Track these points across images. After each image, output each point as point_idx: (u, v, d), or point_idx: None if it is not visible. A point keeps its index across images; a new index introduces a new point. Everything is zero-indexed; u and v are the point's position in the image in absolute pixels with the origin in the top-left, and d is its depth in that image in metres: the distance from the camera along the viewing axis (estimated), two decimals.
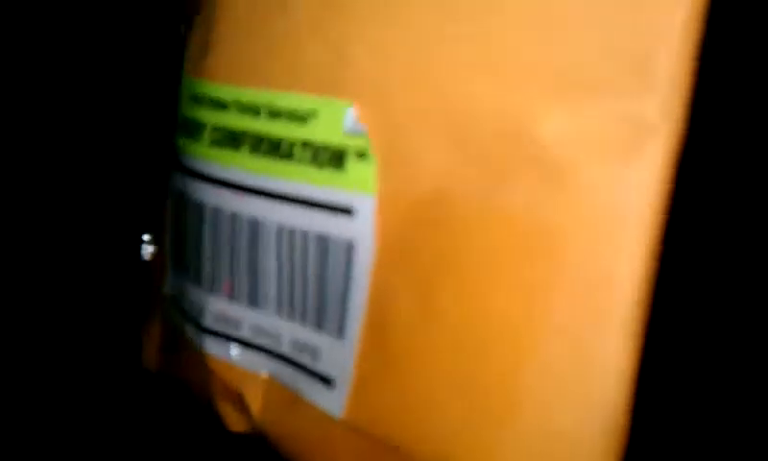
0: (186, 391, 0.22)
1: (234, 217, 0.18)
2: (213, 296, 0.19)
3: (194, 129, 0.19)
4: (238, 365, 0.19)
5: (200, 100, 0.19)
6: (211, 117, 0.19)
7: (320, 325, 0.18)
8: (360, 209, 0.16)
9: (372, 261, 0.16)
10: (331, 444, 0.18)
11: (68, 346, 0.26)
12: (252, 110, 0.18)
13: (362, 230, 0.17)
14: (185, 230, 0.20)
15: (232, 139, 0.18)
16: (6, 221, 0.28)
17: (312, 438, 0.18)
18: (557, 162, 0.14)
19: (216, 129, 0.19)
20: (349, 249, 0.17)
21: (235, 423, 0.20)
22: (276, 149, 0.17)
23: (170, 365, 0.22)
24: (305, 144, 0.17)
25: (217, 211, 0.19)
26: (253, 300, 0.19)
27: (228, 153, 0.18)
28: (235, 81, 0.18)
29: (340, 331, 0.17)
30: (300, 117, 0.17)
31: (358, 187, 0.16)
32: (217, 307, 0.19)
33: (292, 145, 0.17)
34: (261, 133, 0.18)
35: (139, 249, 0.24)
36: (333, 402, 0.17)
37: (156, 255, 0.24)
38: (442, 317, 0.16)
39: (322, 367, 0.18)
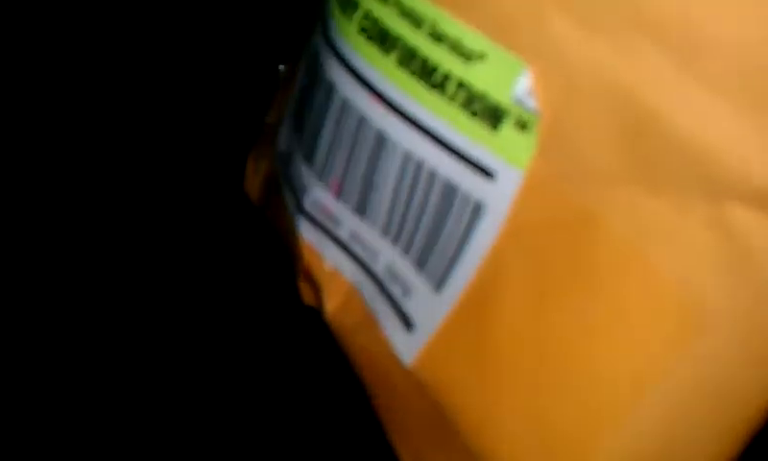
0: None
1: (363, 121, 0.17)
2: (320, 185, 0.18)
3: (349, 6, 0.17)
4: (327, 259, 0.19)
5: None
6: (367, 1, 0.17)
7: (421, 266, 0.17)
8: (502, 178, 0.15)
9: (498, 234, 0.15)
10: (389, 381, 0.17)
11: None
12: (413, 19, 0.16)
13: (497, 199, 0.15)
14: (311, 99, 0.19)
15: (382, 39, 0.16)
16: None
17: (373, 364, 0.18)
18: (740, 224, 0.13)
19: (368, 18, 0.17)
20: (477, 210, 0.15)
21: (311, 300, 0.20)
22: (427, 74, 0.15)
23: (268, 205, 0.22)
24: (462, 84, 0.15)
25: (346, 104, 0.17)
26: (361, 209, 0.18)
27: (375, 51, 0.16)
28: None
29: (439, 284, 0.16)
30: (464, 54, 0.15)
31: (508, 155, 0.15)
32: (321, 197, 0.18)
33: (447, 77, 0.15)
34: (416, 49, 0.16)
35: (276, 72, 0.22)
36: (406, 347, 0.17)
37: (279, 98, 0.22)
38: (553, 326, 0.15)
39: (408, 306, 0.17)
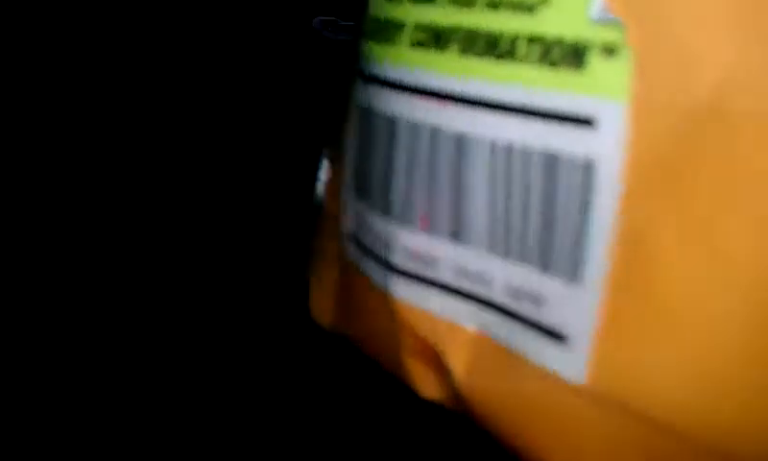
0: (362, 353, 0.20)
1: (436, 133, 0.15)
2: (406, 229, 0.17)
3: (390, 30, 0.16)
4: (437, 314, 0.16)
5: None
6: (413, 15, 0.16)
7: (545, 265, 0.14)
8: (604, 120, 0.13)
9: (621, 185, 0.13)
10: (563, 415, 0.14)
11: (232, 295, 0.24)
12: (465, 3, 0.15)
13: (606, 146, 0.13)
14: (371, 151, 0.17)
15: (437, 38, 0.15)
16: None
17: (536, 407, 0.15)
18: None
19: (419, 27, 0.16)
20: (588, 169, 0.13)
21: (429, 387, 0.17)
22: (493, 46, 0.14)
23: (345, 318, 0.20)
24: (532, 39, 0.14)
25: (415, 127, 0.16)
26: (457, 233, 0.16)
27: (432, 56, 0.15)
28: None
29: (574, 273, 0.14)
30: (526, 6, 0.14)
31: (603, 92, 0.13)
32: (410, 242, 0.17)
33: (514, 40, 0.14)
34: (475, 28, 0.15)
35: (314, 181, 0.22)
36: (568, 363, 0.14)
37: (332, 185, 0.21)
38: (726, 258, 0.12)
39: (549, 318, 0.14)
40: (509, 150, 0.14)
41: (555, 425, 0.14)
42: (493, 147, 0.14)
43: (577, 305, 0.14)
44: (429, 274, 0.16)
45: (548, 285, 0.14)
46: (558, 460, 0.15)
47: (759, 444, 0.12)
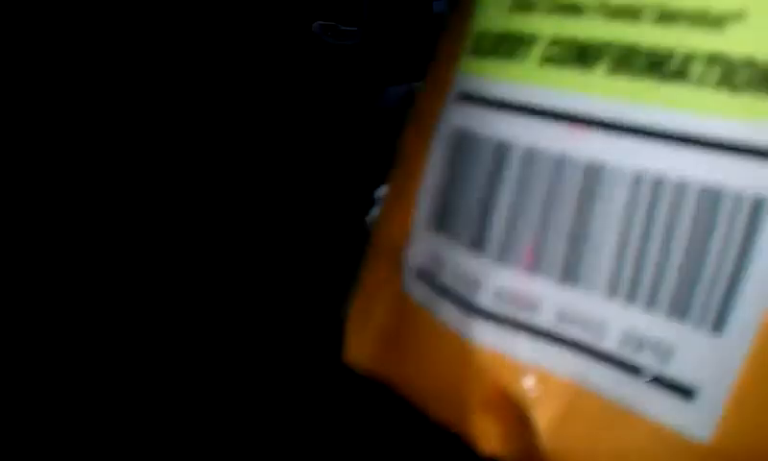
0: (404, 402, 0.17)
1: (560, 162, 0.14)
2: (502, 266, 0.15)
3: (514, 44, 0.15)
4: (528, 362, 0.14)
5: (531, 6, 0.15)
6: (549, 27, 0.15)
7: (682, 312, 0.12)
8: None
9: None
10: None
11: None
12: (629, 14, 0.14)
13: None
14: (466, 179, 0.16)
15: (582, 56, 0.14)
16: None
17: None
18: None
19: (556, 43, 0.15)
20: (758, 208, 0.12)
21: (494, 442, 0.15)
22: (657, 66, 0.13)
23: (393, 362, 0.18)
24: (714, 59, 0.13)
25: (532, 154, 0.14)
26: (571, 273, 0.14)
27: (570, 74, 0.14)
28: None
29: (718, 324, 0.12)
30: (713, 22, 0.13)
31: None
32: (505, 282, 0.15)
33: (689, 60, 0.13)
34: (636, 45, 0.13)
35: (367, 209, 0.20)
36: (695, 419, 0.12)
37: (392, 213, 0.19)
38: None
39: (675, 370, 0.12)
40: (658, 182, 0.13)
41: None
42: (638, 179, 0.13)
43: (715, 356, 0.12)
44: (525, 317, 0.14)
45: (679, 333, 0.12)
46: None
47: None
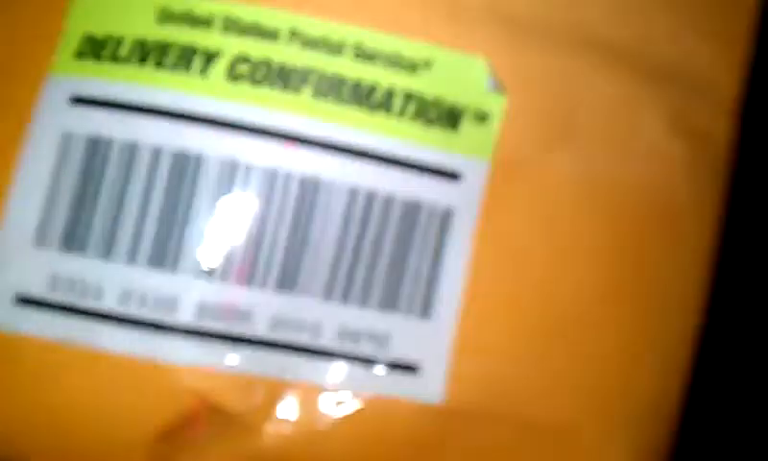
0: None
1: (274, 176, 0.14)
2: (207, 281, 0.14)
3: (200, 55, 0.14)
4: (235, 371, 0.14)
5: (210, 22, 0.15)
6: (236, 44, 0.15)
7: (392, 305, 0.15)
8: (469, 175, 0.15)
9: (473, 232, 0.15)
10: (420, 436, 0.14)
11: None
12: (326, 47, 0.15)
13: (466, 199, 0.15)
14: (102, 191, 0.14)
15: (284, 79, 0.14)
16: None
17: (385, 436, 0.14)
18: None
19: (245, 61, 0.14)
20: (447, 219, 0.15)
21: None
22: (364, 97, 0.15)
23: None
24: (409, 96, 0.15)
25: (234, 165, 0.14)
26: (288, 283, 0.14)
27: (275, 94, 0.14)
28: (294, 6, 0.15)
29: (425, 310, 0.15)
30: (408, 65, 0.15)
31: (471, 151, 0.15)
32: (214, 296, 0.14)
33: (391, 94, 0.15)
34: (340, 75, 0.15)
35: None
36: (425, 389, 0.14)
37: None
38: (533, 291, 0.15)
39: (399, 351, 0.15)
40: (370, 197, 0.14)
41: (413, 448, 0.14)
42: (353, 193, 0.14)
43: (430, 338, 0.14)
44: (234, 329, 0.14)
45: (392, 323, 0.14)
46: None
47: None
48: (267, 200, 0.14)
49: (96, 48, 0.15)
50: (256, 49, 0.15)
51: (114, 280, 0.14)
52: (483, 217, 0.15)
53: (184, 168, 0.14)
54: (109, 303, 0.14)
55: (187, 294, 0.14)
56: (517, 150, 0.15)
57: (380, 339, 0.15)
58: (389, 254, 0.15)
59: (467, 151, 0.15)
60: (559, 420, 0.15)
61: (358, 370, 0.15)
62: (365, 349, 0.15)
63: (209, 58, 0.15)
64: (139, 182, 0.14)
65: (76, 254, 0.14)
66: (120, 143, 0.14)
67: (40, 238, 0.14)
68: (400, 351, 0.15)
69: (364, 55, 0.15)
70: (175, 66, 0.15)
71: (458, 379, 0.15)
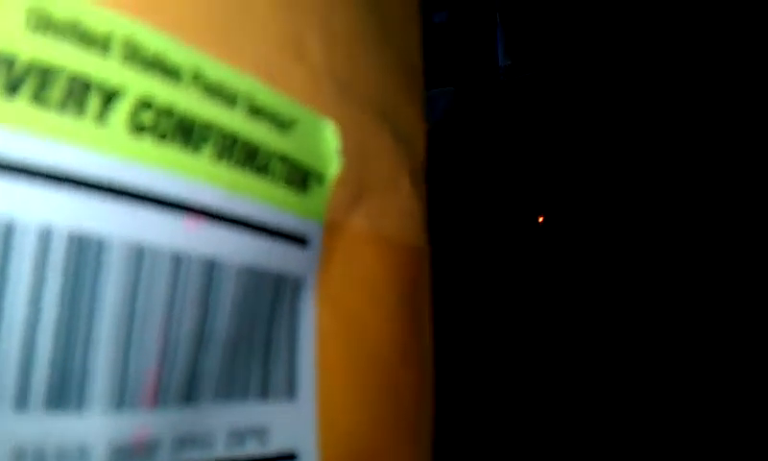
0: None
1: (179, 262, 0.11)
2: (119, 415, 0.09)
3: (80, 94, 0.09)
4: None
5: (107, 45, 0.09)
6: (138, 83, 0.09)
7: (266, 392, 0.13)
8: (314, 240, 0.13)
9: (314, 300, 0.13)
10: None
11: None
12: (223, 97, 0.11)
13: (312, 264, 0.13)
14: None
15: (186, 133, 0.11)
16: None
17: None
18: None
19: (150, 106, 0.10)
20: (299, 287, 0.13)
21: None
22: (251, 159, 0.11)
23: None
24: (284, 158, 0.12)
25: (141, 253, 0.10)
26: (191, 391, 0.11)
27: (173, 152, 0.10)
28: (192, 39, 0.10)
29: (291, 392, 0.13)
30: (282, 124, 0.12)
31: (314, 214, 0.13)
32: (125, 432, 0.10)
33: (270, 157, 0.12)
34: (236, 131, 0.11)
35: None
36: None
37: None
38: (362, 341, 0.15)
39: (277, 442, 0.13)
40: (250, 271, 0.12)
41: None
42: (250, 273, 0.12)
43: (300, 421, 0.13)
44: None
45: (268, 411, 0.13)
46: None
47: None
48: (172, 292, 0.11)
49: None
50: (161, 91, 0.10)
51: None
52: (320, 283, 0.14)
53: (83, 257, 0.09)
54: None
55: (99, 437, 0.10)
56: (334, 212, 0.15)
57: (261, 433, 0.13)
58: (263, 335, 0.13)
59: (312, 214, 0.14)
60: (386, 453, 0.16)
61: None
62: (251, 446, 0.13)
63: (109, 97, 0.10)
64: (23, 280, 0.09)
65: None
66: None
67: None
68: (280, 443, 0.13)
69: (254, 110, 0.12)
70: (63, 105, 0.09)
71: (328, 457, 0.14)
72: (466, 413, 0.36)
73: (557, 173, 0.40)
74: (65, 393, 0.10)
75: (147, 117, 0.11)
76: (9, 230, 0.09)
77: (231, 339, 0.12)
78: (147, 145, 0.11)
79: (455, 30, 0.44)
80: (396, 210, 0.17)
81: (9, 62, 0.09)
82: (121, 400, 0.10)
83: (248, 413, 0.13)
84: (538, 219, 0.39)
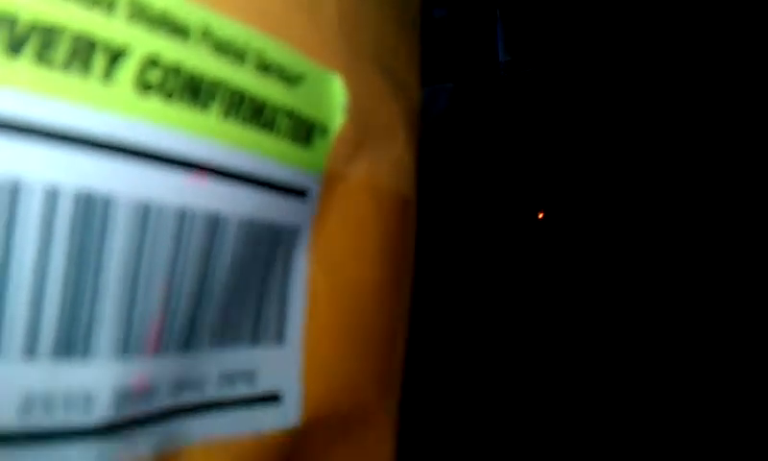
0: None
1: (183, 216, 0.11)
2: (124, 363, 0.10)
3: (85, 53, 0.09)
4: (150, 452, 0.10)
5: (113, 3, 0.09)
6: (146, 42, 0.10)
7: (257, 337, 0.13)
8: (312, 192, 0.13)
9: (308, 250, 0.14)
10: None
11: None
12: (232, 54, 0.11)
13: (309, 216, 0.14)
14: (5, 259, 0.09)
15: (194, 91, 0.11)
16: None
17: None
18: None
19: (156, 64, 0.10)
20: (294, 237, 0.13)
21: None
22: (257, 115, 0.11)
23: None
24: (291, 114, 0.12)
25: (148, 210, 0.10)
26: (190, 339, 0.12)
27: (180, 111, 0.10)
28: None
29: (280, 337, 0.14)
30: (290, 79, 0.12)
31: (314, 167, 0.13)
32: (125, 378, 0.10)
33: (276, 113, 0.12)
34: (244, 88, 0.11)
35: None
36: (286, 415, 0.14)
37: None
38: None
39: (264, 384, 0.14)
40: (251, 223, 0.12)
41: None
42: (251, 225, 0.12)
43: (286, 364, 0.14)
44: (143, 410, 0.11)
45: (258, 355, 0.14)
46: None
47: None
48: (176, 246, 0.11)
49: None
50: (168, 49, 0.11)
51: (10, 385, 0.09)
52: (313, 234, 0.15)
53: (90, 216, 0.10)
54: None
55: (104, 383, 0.10)
56: (334, 163, 0.15)
57: (250, 375, 0.13)
58: (257, 284, 0.13)
59: (313, 167, 0.14)
60: (368, 404, 0.16)
61: (236, 413, 0.13)
62: (242, 388, 0.13)
63: (114, 57, 0.10)
64: (30, 238, 0.09)
65: None
66: None
67: None
68: (266, 384, 0.14)
69: (263, 66, 0.12)
70: (67, 65, 0.09)
71: (310, 399, 0.15)
72: (465, 409, 0.36)
73: (557, 169, 0.39)
74: (72, 342, 0.10)
75: (154, 76, 0.11)
76: (15, 191, 0.09)
77: (229, 289, 0.13)
78: (154, 104, 0.11)
79: (455, 25, 0.43)
80: (390, 160, 0.17)
81: (10, 22, 0.09)
82: (126, 348, 0.11)
83: (239, 357, 0.14)
84: (538, 215, 0.39)
